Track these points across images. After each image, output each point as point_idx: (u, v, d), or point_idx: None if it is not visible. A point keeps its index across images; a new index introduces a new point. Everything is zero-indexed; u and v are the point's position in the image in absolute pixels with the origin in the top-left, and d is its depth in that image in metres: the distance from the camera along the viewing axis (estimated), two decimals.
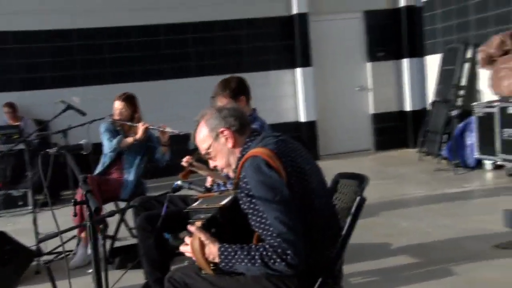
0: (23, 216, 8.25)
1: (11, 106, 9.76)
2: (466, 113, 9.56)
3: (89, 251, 5.82)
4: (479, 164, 9.14)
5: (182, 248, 2.94)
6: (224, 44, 11.19)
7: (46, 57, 10.57)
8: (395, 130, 12.02)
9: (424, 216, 6.66)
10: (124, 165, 6.27)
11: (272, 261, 2.69)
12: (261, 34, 11.36)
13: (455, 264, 4.87)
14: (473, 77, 9.93)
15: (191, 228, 2.86)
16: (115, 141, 6.12)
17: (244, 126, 3.12)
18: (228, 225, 2.86)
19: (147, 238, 4.42)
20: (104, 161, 6.30)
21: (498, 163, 8.62)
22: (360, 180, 3.22)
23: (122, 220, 6.44)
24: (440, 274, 4.68)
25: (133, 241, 6.27)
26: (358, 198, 3.01)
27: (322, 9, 11.47)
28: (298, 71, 11.37)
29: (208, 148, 3.14)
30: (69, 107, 6.25)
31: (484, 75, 9.38)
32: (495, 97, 8.75)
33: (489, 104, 8.67)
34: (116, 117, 6.19)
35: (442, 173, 9.04)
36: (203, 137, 3.14)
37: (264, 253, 2.70)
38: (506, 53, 8.69)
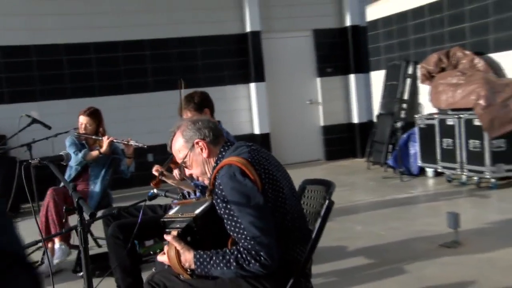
0: None
1: None
2: (409, 124, 9.76)
3: (55, 261, 5.86)
4: (422, 171, 9.30)
5: (159, 257, 3.00)
6: (181, 60, 11.16)
7: (3, 72, 10.32)
8: (344, 141, 12.09)
9: (376, 220, 6.76)
10: (90, 177, 6.26)
11: (246, 262, 2.76)
12: (216, 51, 11.35)
13: (406, 263, 4.98)
14: (414, 91, 10.16)
15: (167, 237, 2.90)
16: (80, 154, 6.09)
17: (217, 137, 3.16)
18: (203, 232, 2.92)
19: (119, 246, 4.42)
20: (70, 173, 6.27)
21: (439, 170, 8.79)
22: (327, 185, 3.31)
23: (88, 230, 6.46)
24: (393, 273, 4.78)
25: (99, 250, 6.24)
26: (327, 202, 3.07)
27: (274, 28, 11.55)
28: (252, 86, 11.42)
29: (184, 158, 3.18)
30: (35, 120, 6.23)
31: (424, 90, 9.65)
32: (435, 110, 9.02)
33: (430, 117, 8.92)
34: (81, 131, 6.17)
35: (389, 181, 9.17)
36: (179, 147, 3.18)
37: (239, 256, 2.77)
38: (443, 69, 8.98)
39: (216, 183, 2.96)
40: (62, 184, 6.22)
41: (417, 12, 10.19)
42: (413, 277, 4.69)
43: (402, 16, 10.57)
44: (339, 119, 12.14)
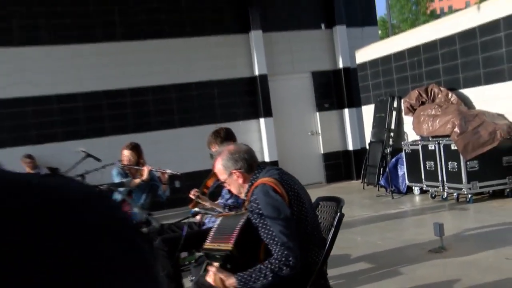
0: None
1: (29, 157, 9.59)
2: (396, 150, 9.85)
3: None
4: (409, 189, 9.29)
5: (208, 279, 3.03)
6: (200, 100, 11.09)
7: (56, 116, 10.38)
8: (341, 165, 12.05)
9: (373, 232, 6.78)
10: (133, 200, 6.26)
11: (279, 269, 2.86)
12: (230, 92, 11.31)
13: (400, 266, 5.05)
14: (399, 122, 10.17)
15: (211, 268, 2.96)
16: (125, 181, 6.13)
17: (251, 166, 3.24)
18: (239, 256, 2.95)
19: (164, 257, 4.47)
20: (116, 198, 6.21)
21: (424, 188, 8.78)
22: (337, 201, 3.46)
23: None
24: (390, 275, 4.85)
25: None
26: (339, 214, 3.24)
27: (278, 71, 11.56)
28: (262, 120, 11.39)
29: (224, 180, 3.27)
30: (88, 155, 6.34)
31: (408, 120, 9.68)
32: (418, 137, 9.05)
33: (414, 143, 8.98)
34: (125, 162, 6.20)
35: (382, 198, 9.15)
36: (219, 171, 3.26)
37: (272, 267, 2.86)
38: (423, 103, 9.03)
39: (252, 198, 3.06)
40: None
41: (399, 55, 10.28)
42: (407, 278, 4.73)
43: (386, 59, 10.66)
44: (336, 147, 12.08)
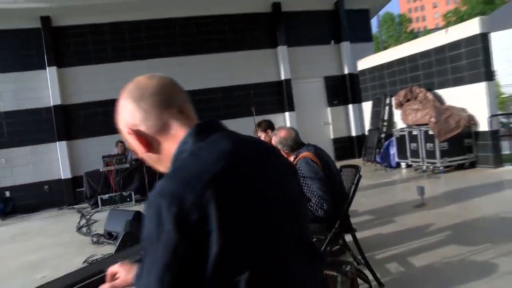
0: (130, 207, 8.22)
1: (121, 142, 9.85)
2: (388, 135, 9.95)
3: None
4: (398, 165, 9.42)
5: None
6: (241, 99, 11.20)
7: None
8: (347, 147, 12.05)
9: (373, 195, 6.87)
10: None
11: (316, 211, 3.07)
12: (263, 92, 11.46)
13: (393, 217, 5.23)
14: (391, 114, 10.25)
15: None
16: None
17: (293, 148, 3.40)
18: None
19: None
20: None
21: (409, 163, 8.90)
22: (356, 168, 3.52)
23: None
24: (386, 223, 5.01)
25: None
26: (358, 176, 3.31)
27: (299, 76, 11.60)
28: (287, 114, 11.51)
29: None
30: None
31: (397, 113, 9.79)
32: (405, 126, 9.10)
33: (402, 130, 8.99)
34: None
35: (378, 171, 9.28)
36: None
37: (312, 209, 3.06)
38: (408, 100, 9.16)
39: (297, 167, 3.19)
40: None
41: (390, 64, 10.34)
42: (399, 224, 4.92)
43: (380, 67, 10.71)
44: (343, 134, 12.11)
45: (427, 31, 54.78)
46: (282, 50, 11.59)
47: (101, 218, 7.80)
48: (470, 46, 8.10)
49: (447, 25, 47.29)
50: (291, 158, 3.30)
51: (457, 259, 3.64)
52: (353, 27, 12.25)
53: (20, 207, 9.89)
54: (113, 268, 1.40)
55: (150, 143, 1.11)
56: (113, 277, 1.41)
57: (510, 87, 20.74)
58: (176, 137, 1.08)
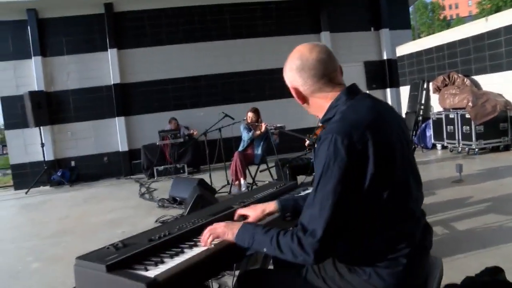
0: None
1: (175, 119, 10.35)
2: (425, 118, 10.00)
3: (243, 188, 6.24)
4: (434, 146, 9.52)
5: None
6: (284, 81, 11.77)
7: (186, 91, 10.92)
8: None
9: None
10: (255, 146, 6.66)
11: None
12: None
13: (433, 191, 5.39)
14: (428, 98, 10.23)
15: None
16: (251, 133, 6.52)
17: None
18: None
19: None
20: (243, 144, 6.69)
21: (444, 145, 8.99)
22: None
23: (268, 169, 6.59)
24: (427, 195, 4.47)
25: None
26: None
27: (340, 61, 10.16)
28: None
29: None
30: (226, 115, 6.88)
31: (434, 97, 9.81)
32: (441, 109, 9.14)
33: (439, 113, 9.08)
34: (249, 120, 6.59)
35: (415, 152, 9.11)
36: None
37: None
38: (446, 85, 9.15)
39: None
40: (240, 148, 6.62)
41: (428, 51, 10.40)
42: (440, 196, 5.11)
43: (419, 53, 10.77)
44: None
45: (459, 19, 53.45)
46: (325, 35, 11.75)
47: (159, 187, 8.45)
48: (509, 34, 8.12)
49: (481, 12, 45.95)
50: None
51: (496, 225, 3.90)
52: (392, 15, 12.28)
53: (83, 176, 10.62)
54: (242, 211, 1.75)
55: (305, 99, 1.53)
56: (242, 218, 1.72)
57: None
58: (326, 97, 1.49)
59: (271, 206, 1.74)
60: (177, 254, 1.49)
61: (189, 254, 1.50)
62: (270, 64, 11.12)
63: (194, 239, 1.61)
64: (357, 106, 1.41)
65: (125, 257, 1.42)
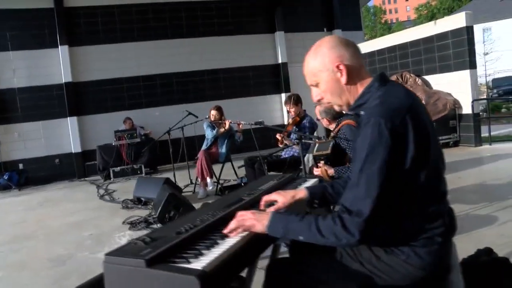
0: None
1: (129, 119, 10.11)
2: None
3: (209, 187, 6.16)
4: None
5: (315, 172, 3.05)
6: (240, 80, 11.41)
7: (142, 90, 10.71)
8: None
9: None
10: (219, 144, 6.56)
11: None
12: (261, 74, 11.65)
13: None
14: None
15: (320, 164, 3.04)
16: (214, 131, 6.43)
17: (335, 117, 3.37)
18: (333, 157, 3.04)
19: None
20: (207, 142, 6.55)
21: None
22: None
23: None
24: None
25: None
26: None
27: (294, 60, 11.45)
28: (283, 95, 11.54)
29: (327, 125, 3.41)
30: (189, 113, 6.86)
31: None
32: None
33: None
34: (212, 118, 6.50)
35: None
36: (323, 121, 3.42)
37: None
38: None
39: (342, 131, 3.20)
40: (204, 146, 6.49)
41: (381, 51, 10.55)
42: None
43: (372, 54, 10.77)
44: None
45: (399, 23, 55.98)
46: (279, 35, 11.81)
47: (117, 188, 8.21)
48: (456, 37, 8.50)
49: (419, 17, 48.31)
50: (333, 125, 3.41)
51: (463, 214, 4.11)
52: (344, 16, 12.50)
53: (32, 179, 10.07)
54: (271, 197, 1.74)
55: (351, 76, 1.51)
56: (268, 204, 1.72)
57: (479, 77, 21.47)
58: (362, 81, 1.53)
59: (301, 192, 1.76)
60: (212, 246, 1.45)
61: (225, 244, 1.46)
62: (226, 63, 11.26)
63: (222, 231, 1.58)
64: (393, 92, 1.46)
65: (163, 250, 1.36)
